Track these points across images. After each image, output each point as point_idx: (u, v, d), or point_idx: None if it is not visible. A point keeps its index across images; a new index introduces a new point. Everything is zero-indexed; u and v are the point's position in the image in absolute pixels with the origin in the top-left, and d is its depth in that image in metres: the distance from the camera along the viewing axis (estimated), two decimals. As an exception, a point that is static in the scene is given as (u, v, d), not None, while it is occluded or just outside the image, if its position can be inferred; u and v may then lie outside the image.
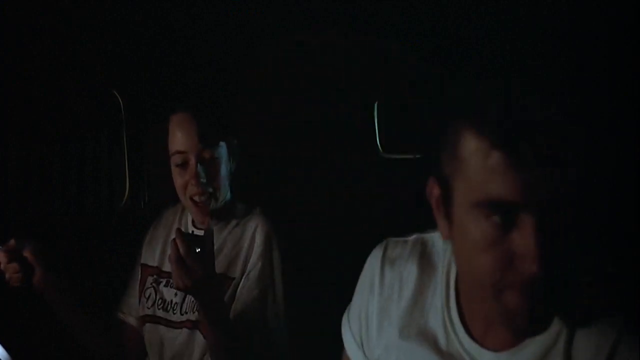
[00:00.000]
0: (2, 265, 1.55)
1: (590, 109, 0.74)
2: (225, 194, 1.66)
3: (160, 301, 1.68)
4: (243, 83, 2.08)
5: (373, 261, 1.05)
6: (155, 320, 1.67)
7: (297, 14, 1.99)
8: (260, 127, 2.06)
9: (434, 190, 0.87)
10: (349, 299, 1.10)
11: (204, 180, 1.61)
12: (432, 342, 0.95)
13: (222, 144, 1.64)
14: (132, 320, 1.74)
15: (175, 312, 1.65)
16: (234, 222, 1.69)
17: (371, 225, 1.95)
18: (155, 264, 1.74)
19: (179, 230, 1.42)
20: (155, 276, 1.72)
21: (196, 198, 1.63)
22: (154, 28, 2.01)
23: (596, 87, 0.75)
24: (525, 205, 0.75)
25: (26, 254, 1.56)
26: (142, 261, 1.77)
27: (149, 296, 1.70)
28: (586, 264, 0.80)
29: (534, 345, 0.86)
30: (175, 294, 1.66)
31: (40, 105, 1.97)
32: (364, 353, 1.06)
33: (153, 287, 1.71)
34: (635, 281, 0.88)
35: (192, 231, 1.68)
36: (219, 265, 1.59)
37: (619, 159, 0.75)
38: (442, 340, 0.94)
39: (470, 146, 0.78)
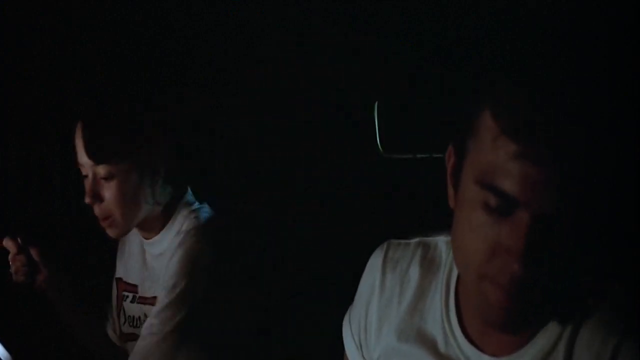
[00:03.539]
0: (10, 257, 1.55)
1: (591, 108, 0.73)
2: (135, 215, 1.47)
3: (130, 318, 1.61)
4: (242, 83, 2.07)
5: (374, 263, 1.04)
6: (135, 338, 1.58)
7: (296, 13, 1.99)
8: (260, 127, 2.06)
9: (450, 158, 0.87)
10: (350, 300, 1.10)
11: (98, 201, 1.44)
12: (430, 345, 0.94)
13: (129, 159, 1.42)
14: (115, 339, 1.68)
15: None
16: (176, 228, 1.51)
17: (371, 226, 1.95)
18: (121, 276, 1.67)
19: None
20: (124, 291, 1.65)
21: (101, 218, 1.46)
22: (155, 28, 2.01)
23: (598, 87, 0.74)
24: (525, 203, 0.73)
25: (33, 252, 1.56)
26: (116, 275, 1.69)
27: (120, 313, 1.64)
28: (586, 264, 0.80)
29: (533, 351, 0.85)
30: (141, 309, 1.58)
31: (40, 105, 1.97)
32: (363, 355, 1.06)
33: (123, 304, 1.64)
34: (636, 281, 0.87)
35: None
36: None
37: (619, 158, 0.74)
38: (440, 344, 0.93)
39: (484, 125, 0.77)
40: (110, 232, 1.49)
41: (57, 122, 1.99)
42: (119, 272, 1.69)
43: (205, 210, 1.54)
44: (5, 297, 1.76)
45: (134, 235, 1.64)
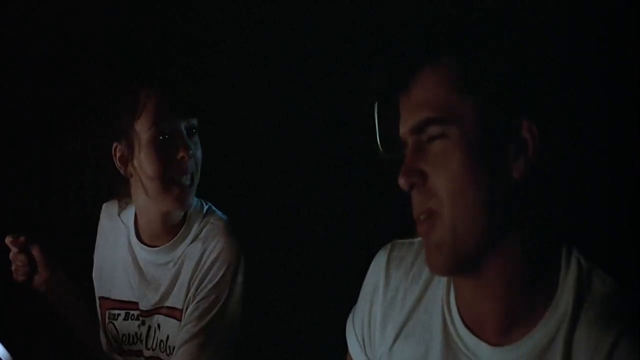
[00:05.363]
0: (11, 255, 1.54)
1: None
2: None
3: (126, 336, 1.57)
4: (239, 78, 2.06)
5: (378, 262, 1.06)
6: (133, 354, 1.58)
7: (296, 12, 1.98)
8: (259, 125, 2.06)
9: None
10: (354, 300, 1.10)
11: (193, 153, 1.44)
12: (431, 337, 0.96)
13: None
14: (106, 348, 1.63)
15: (143, 343, 1.55)
16: (192, 234, 1.51)
17: (374, 227, 1.94)
18: (105, 295, 1.62)
19: None
20: (110, 309, 1.60)
21: (184, 179, 1.44)
22: (159, 27, 2.00)
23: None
24: None
25: (35, 251, 1.55)
26: (99, 294, 1.63)
27: (110, 331, 1.60)
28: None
29: (531, 343, 0.86)
30: (139, 326, 1.55)
31: (40, 105, 1.97)
32: (366, 353, 1.06)
33: (112, 323, 1.59)
34: (635, 281, 0.88)
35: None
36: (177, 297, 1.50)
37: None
38: (441, 333, 0.94)
39: None
40: (186, 201, 1.47)
41: (57, 122, 1.99)
42: (102, 291, 1.63)
43: (217, 212, 1.55)
44: (6, 296, 1.76)
45: (116, 247, 1.61)
